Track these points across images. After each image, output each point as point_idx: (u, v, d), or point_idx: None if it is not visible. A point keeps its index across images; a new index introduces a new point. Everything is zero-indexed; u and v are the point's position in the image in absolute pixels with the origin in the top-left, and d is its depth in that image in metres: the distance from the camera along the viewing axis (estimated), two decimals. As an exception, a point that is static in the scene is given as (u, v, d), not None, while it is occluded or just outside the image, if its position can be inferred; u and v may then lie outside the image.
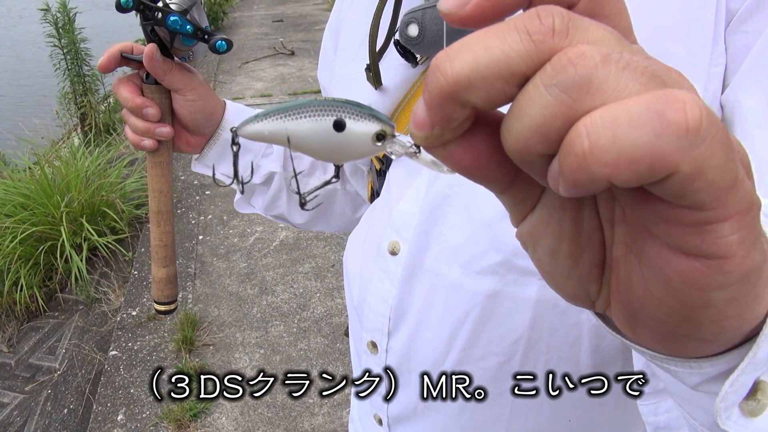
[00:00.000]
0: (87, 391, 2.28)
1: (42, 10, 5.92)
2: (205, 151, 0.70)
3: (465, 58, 0.17)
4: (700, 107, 0.15)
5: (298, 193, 0.33)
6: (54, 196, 3.12)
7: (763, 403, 0.23)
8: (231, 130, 0.27)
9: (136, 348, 2.39)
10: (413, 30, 0.47)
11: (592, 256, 0.22)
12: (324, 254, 2.93)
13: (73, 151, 4.07)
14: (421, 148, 0.22)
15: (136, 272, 2.89)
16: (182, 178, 4.01)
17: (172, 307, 0.70)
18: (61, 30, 5.98)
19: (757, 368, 0.22)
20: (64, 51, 6.06)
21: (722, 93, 0.40)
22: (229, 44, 0.59)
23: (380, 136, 0.23)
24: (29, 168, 3.53)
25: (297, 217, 0.80)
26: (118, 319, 2.55)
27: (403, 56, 0.51)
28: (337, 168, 0.32)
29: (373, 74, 0.54)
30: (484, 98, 0.18)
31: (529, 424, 0.53)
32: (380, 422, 0.64)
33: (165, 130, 0.62)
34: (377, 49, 0.54)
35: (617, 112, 0.16)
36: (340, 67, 0.66)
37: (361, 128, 0.23)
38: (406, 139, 0.24)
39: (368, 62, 0.54)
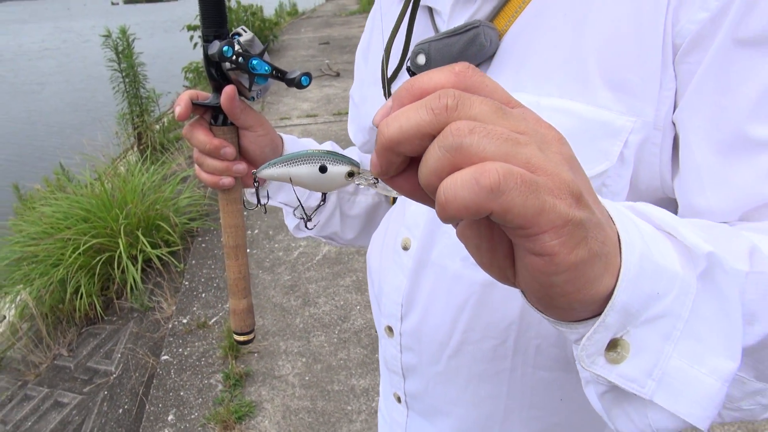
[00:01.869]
0: (140, 392, 2.42)
1: (104, 36, 6.29)
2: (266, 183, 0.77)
3: (395, 125, 0.27)
4: (499, 173, 0.24)
5: (303, 217, 0.48)
6: (113, 210, 3.32)
7: (622, 354, 0.31)
8: (252, 172, 0.40)
9: (186, 353, 2.51)
10: (421, 59, 0.55)
11: (503, 250, 0.31)
12: (364, 268, 3.01)
13: (130, 168, 4.31)
14: (379, 180, 0.33)
15: (186, 283, 3.04)
16: (231, 194, 4.18)
17: (251, 336, 0.71)
18: (120, 54, 6.33)
19: (609, 330, 0.30)
20: (123, 74, 6.41)
21: (674, 112, 0.47)
22: (311, 77, 0.62)
23: (350, 174, 0.36)
24: (90, 183, 3.75)
25: (348, 233, 0.88)
26: (170, 326, 2.69)
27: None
28: (324, 195, 0.46)
29: (387, 95, 0.63)
30: (408, 150, 0.28)
31: (525, 400, 0.60)
32: (399, 400, 0.72)
33: (241, 167, 0.65)
34: (392, 72, 0.63)
35: (457, 178, 0.25)
36: (366, 87, 0.75)
37: (337, 170, 0.36)
38: (368, 174, 0.36)
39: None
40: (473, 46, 0.53)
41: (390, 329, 0.68)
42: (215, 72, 0.60)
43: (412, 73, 0.58)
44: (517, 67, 0.53)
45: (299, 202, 0.43)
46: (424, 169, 0.27)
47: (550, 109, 0.49)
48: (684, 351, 0.31)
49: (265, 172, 0.38)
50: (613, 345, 0.31)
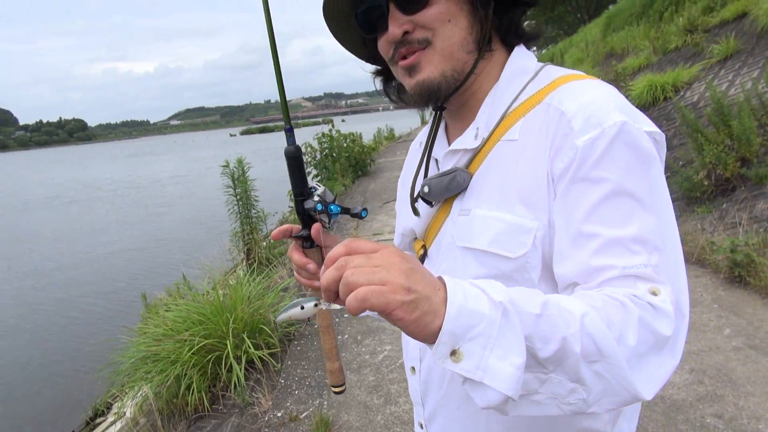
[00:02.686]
0: (237, 478, 2.68)
1: (223, 166, 7.26)
2: None
3: (324, 277, 0.59)
4: (364, 292, 0.55)
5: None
6: (224, 314, 3.79)
7: (460, 358, 0.57)
8: (274, 321, 0.77)
9: (278, 444, 2.78)
10: (426, 189, 0.89)
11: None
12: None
13: (239, 280, 4.85)
14: (330, 303, 0.64)
15: (282, 380, 3.36)
16: (325, 302, 4.57)
17: (343, 388, 0.97)
18: (236, 181, 7.24)
19: (445, 345, 0.57)
20: (238, 198, 7.27)
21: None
22: (368, 211, 0.93)
23: (316, 304, 0.68)
24: (207, 292, 4.29)
25: None
26: (266, 419, 2.99)
27: (425, 202, 0.92)
28: (308, 318, 0.74)
29: (413, 211, 0.96)
30: (334, 289, 0.59)
31: (502, 417, 0.84)
32: (421, 426, 0.98)
33: (317, 284, 0.92)
34: (415, 196, 0.96)
35: (350, 298, 0.56)
36: (400, 204, 1.09)
37: (309, 305, 0.68)
38: (325, 303, 0.65)
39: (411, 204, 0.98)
40: (453, 182, 0.86)
41: (413, 369, 0.97)
42: (306, 216, 0.91)
43: (424, 197, 0.91)
44: (478, 194, 0.84)
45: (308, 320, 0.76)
46: (341, 292, 0.58)
47: (493, 219, 0.80)
48: (496, 354, 0.57)
49: (279, 317, 0.72)
50: (453, 353, 0.58)
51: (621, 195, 0.70)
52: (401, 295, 0.55)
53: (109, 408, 5.50)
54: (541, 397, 0.63)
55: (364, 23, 0.88)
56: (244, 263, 7.25)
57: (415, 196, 0.96)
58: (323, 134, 13.28)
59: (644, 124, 0.75)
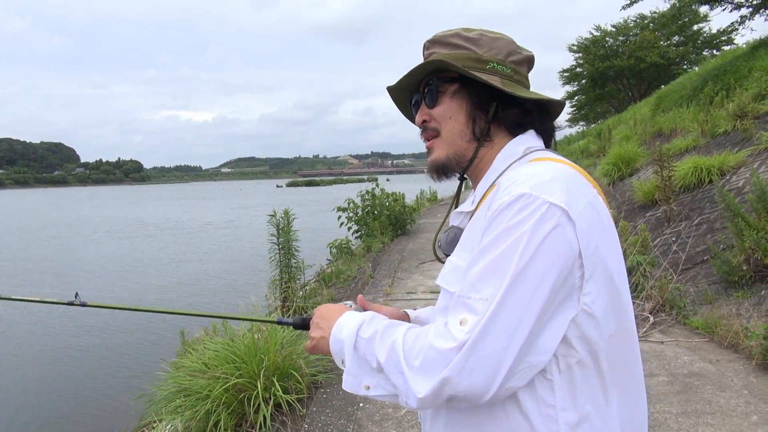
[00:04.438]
0: None
1: (270, 215, 7.56)
2: None
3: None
4: (312, 339, 1.14)
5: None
6: (257, 356, 3.93)
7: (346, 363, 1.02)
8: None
9: (297, 487, 2.84)
10: (438, 243, 1.11)
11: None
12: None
13: (274, 325, 5.01)
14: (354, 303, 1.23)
15: (306, 426, 3.45)
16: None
17: None
18: (281, 230, 7.52)
19: (337, 356, 1.06)
20: (280, 247, 7.53)
21: None
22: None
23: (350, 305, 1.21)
24: (243, 334, 4.46)
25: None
26: (288, 461, 3.07)
27: (443, 252, 1.12)
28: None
29: (438, 259, 1.14)
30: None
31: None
32: None
33: None
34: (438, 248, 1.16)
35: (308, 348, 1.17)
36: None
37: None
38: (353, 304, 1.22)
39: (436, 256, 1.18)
40: (455, 237, 1.07)
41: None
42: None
43: (439, 248, 1.13)
44: (462, 246, 1.03)
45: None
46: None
47: (449, 262, 1.04)
48: (348, 357, 1.00)
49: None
50: (342, 362, 1.03)
51: (486, 252, 0.91)
52: (312, 336, 1.14)
53: (137, 440, 5.63)
54: (375, 390, 0.98)
55: (414, 108, 1.19)
56: (279, 310, 7.43)
57: (437, 247, 1.18)
58: (366, 191, 13.61)
59: (553, 195, 0.90)
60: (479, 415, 0.97)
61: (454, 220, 1.13)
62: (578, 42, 34.47)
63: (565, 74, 37.31)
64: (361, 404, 3.69)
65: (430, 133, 1.13)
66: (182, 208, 49.15)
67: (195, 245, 21.90)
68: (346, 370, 1.01)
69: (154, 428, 4.24)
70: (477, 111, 1.08)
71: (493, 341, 0.85)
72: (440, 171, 1.13)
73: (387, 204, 13.59)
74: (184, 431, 3.68)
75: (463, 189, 1.26)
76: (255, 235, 24.22)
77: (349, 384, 1.01)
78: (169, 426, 4.00)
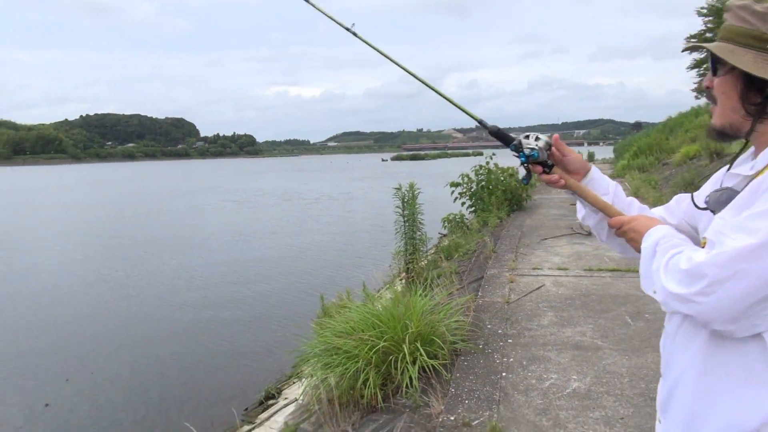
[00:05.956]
0: (414, 467, 2.96)
1: (395, 189, 7.79)
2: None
3: (615, 222, 1.37)
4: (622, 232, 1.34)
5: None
6: (401, 321, 4.16)
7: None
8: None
9: (452, 444, 3.03)
10: (707, 200, 1.20)
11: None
12: (614, 406, 3.26)
13: (398, 293, 5.22)
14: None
15: (452, 390, 3.63)
16: (489, 327, 4.79)
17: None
18: (406, 203, 7.73)
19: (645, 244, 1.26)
20: (405, 219, 7.75)
21: None
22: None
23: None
24: (385, 302, 4.71)
25: (602, 236, 1.52)
26: (440, 420, 3.26)
27: (710, 211, 1.20)
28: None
29: (696, 207, 1.28)
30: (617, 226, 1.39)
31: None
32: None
33: (560, 182, 1.43)
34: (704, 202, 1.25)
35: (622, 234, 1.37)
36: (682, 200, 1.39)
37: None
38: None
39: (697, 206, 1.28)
40: (728, 197, 1.13)
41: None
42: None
43: (707, 206, 1.21)
44: (735, 207, 1.10)
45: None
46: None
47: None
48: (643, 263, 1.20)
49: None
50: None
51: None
52: (623, 227, 1.34)
53: (279, 392, 6.15)
54: (658, 295, 1.12)
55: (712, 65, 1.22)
56: (404, 280, 7.70)
57: (704, 202, 1.25)
58: (480, 166, 13.53)
59: None
60: (724, 346, 1.07)
61: (728, 181, 1.19)
62: (708, 5, 31.55)
63: (692, 40, 34.38)
64: (503, 373, 3.81)
65: (712, 98, 1.21)
66: (296, 181, 51.46)
67: (314, 215, 23.12)
68: (642, 274, 1.20)
69: (305, 379, 4.62)
70: (750, 92, 1.11)
71: (748, 275, 0.96)
72: (717, 136, 1.20)
73: (502, 179, 13.44)
74: (336, 385, 4.00)
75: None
76: (370, 207, 25.06)
77: (643, 285, 1.20)
78: (318, 381, 4.35)
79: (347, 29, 1.86)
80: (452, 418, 3.26)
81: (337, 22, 1.86)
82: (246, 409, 5.98)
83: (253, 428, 5.32)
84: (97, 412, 6.25)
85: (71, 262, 14.75)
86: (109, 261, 14.64)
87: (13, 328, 9.16)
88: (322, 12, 1.91)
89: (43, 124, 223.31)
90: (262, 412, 5.74)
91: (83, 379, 7.08)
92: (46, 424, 5.98)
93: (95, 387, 6.86)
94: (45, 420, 6.07)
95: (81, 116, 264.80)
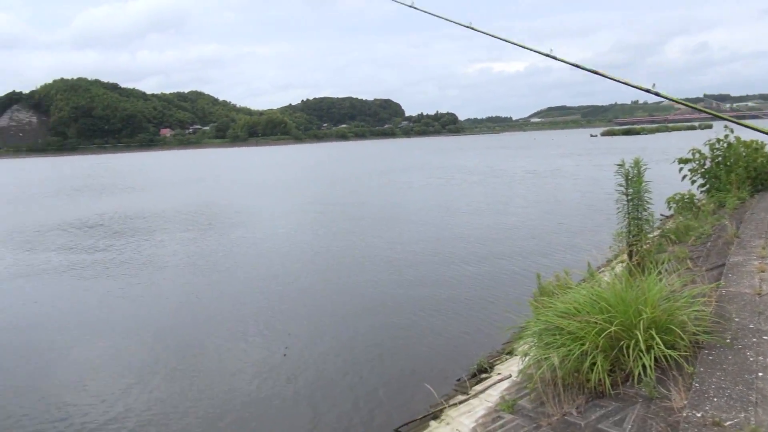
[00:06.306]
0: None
1: (618, 165, 7.25)
2: None
3: None
4: None
5: None
6: (634, 306, 3.89)
7: None
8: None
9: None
10: None
11: None
12: None
13: (627, 276, 4.85)
14: None
15: (697, 385, 3.30)
16: (736, 320, 4.25)
17: None
18: (630, 181, 7.15)
19: None
20: (628, 198, 7.19)
21: None
22: None
23: None
24: (615, 285, 4.44)
25: None
26: (684, 415, 3.00)
27: None
28: None
29: None
30: None
31: None
32: None
33: None
34: None
35: None
36: None
37: None
38: None
39: None
40: None
41: None
42: None
43: None
44: None
45: None
46: None
47: None
48: None
49: None
50: None
51: None
52: None
53: (491, 367, 6.23)
54: None
55: None
56: (625, 263, 7.18)
57: None
58: (717, 140, 11.96)
59: None
60: None
61: None
62: None
63: None
64: (759, 374, 3.36)
65: None
66: (500, 157, 51.02)
67: (521, 193, 22.91)
68: None
69: (521, 357, 4.60)
70: None
71: None
72: None
73: (744, 155, 11.72)
74: (560, 366, 3.91)
75: None
76: (579, 184, 23.92)
77: None
78: (540, 359, 4.29)
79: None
80: (699, 415, 2.97)
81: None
82: (458, 379, 6.16)
83: (468, 398, 5.46)
84: (335, 359, 7.01)
85: (301, 234, 16.68)
86: (337, 234, 16.22)
87: (258, 288, 10.67)
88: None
89: (271, 110, 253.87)
90: (476, 384, 5.87)
91: (323, 337, 7.98)
92: (288, 368, 6.87)
93: (334, 342, 7.70)
94: (286, 366, 6.98)
95: (302, 101, 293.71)
